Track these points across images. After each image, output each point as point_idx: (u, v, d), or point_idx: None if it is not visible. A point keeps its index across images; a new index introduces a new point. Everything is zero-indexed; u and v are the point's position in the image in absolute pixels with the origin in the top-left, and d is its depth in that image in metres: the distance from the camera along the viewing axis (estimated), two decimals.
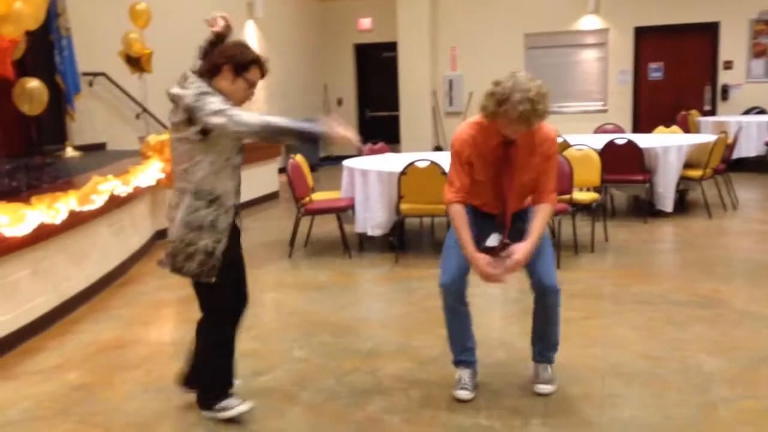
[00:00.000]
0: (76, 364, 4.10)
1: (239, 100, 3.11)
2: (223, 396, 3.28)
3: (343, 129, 2.91)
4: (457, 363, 3.55)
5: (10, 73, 4.81)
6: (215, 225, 3.04)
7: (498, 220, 3.31)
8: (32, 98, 5.02)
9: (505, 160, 3.21)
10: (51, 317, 4.75)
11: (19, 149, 6.37)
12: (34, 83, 5.07)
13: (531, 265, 3.32)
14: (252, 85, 3.13)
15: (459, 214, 3.24)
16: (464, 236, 3.22)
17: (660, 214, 7.51)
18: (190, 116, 2.93)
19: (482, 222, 3.33)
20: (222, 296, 3.20)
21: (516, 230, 3.30)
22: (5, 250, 4.21)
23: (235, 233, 3.20)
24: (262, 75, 3.16)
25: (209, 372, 3.30)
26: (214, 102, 2.92)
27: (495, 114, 3.05)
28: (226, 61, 3.07)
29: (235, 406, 3.25)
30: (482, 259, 3.19)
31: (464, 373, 3.50)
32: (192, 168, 3.01)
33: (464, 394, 3.43)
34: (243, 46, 3.15)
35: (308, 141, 2.97)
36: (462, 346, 3.52)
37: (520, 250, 3.17)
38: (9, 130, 5.83)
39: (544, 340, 3.52)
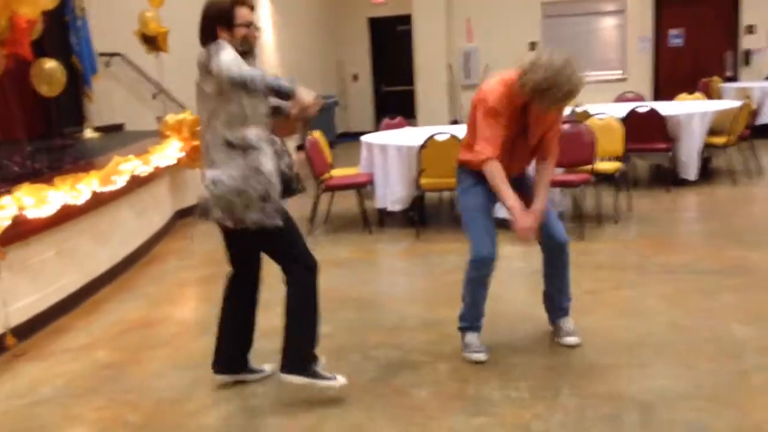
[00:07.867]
0: (104, 343, 4.14)
1: (249, 46, 3.05)
2: (315, 358, 3.16)
3: (306, 94, 2.87)
4: (468, 329, 3.58)
5: (29, 54, 4.80)
6: (259, 169, 2.97)
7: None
8: (51, 79, 5.02)
9: (525, 120, 3.29)
10: (78, 297, 4.79)
11: (40, 131, 6.40)
12: (51, 64, 5.06)
13: (541, 226, 3.41)
14: (247, 25, 3.02)
15: (499, 170, 3.26)
16: (506, 191, 3.25)
17: (683, 183, 7.39)
18: (207, 71, 2.93)
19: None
20: (299, 240, 3.13)
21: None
22: (29, 232, 4.24)
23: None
24: (251, 9, 3.06)
25: (307, 329, 3.13)
26: (221, 51, 2.89)
27: (533, 91, 3.10)
28: (212, 23, 2.99)
29: (329, 378, 3.14)
30: (526, 212, 3.26)
31: (474, 337, 3.56)
32: (214, 122, 2.98)
33: (482, 356, 3.49)
34: (211, 2, 3.03)
35: (280, 95, 2.89)
36: (479, 313, 3.58)
37: (539, 200, 3.34)
38: (29, 112, 5.84)
39: (562, 293, 3.64)
